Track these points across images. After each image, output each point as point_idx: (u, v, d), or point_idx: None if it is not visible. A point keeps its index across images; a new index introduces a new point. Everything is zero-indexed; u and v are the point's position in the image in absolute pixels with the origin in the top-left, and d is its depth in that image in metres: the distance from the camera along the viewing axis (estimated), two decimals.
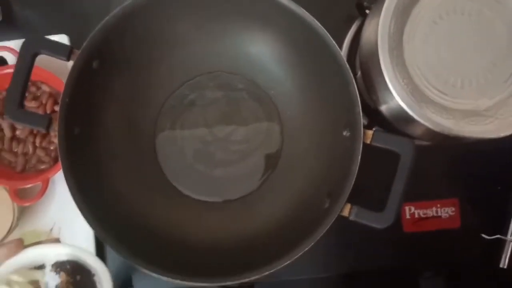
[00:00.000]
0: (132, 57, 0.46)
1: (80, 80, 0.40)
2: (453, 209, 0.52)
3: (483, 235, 0.51)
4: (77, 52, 0.39)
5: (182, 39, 0.48)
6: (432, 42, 0.41)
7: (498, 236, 0.51)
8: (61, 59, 0.40)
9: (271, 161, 0.49)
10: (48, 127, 0.39)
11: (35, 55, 0.39)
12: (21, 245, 0.34)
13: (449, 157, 0.53)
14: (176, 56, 0.49)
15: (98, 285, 0.37)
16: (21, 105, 0.39)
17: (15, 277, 0.35)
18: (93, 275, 0.37)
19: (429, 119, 0.38)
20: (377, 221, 0.39)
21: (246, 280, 0.38)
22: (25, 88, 0.39)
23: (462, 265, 0.52)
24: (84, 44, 0.40)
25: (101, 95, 0.45)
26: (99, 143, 0.45)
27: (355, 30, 0.53)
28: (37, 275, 0.36)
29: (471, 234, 0.51)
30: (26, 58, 0.39)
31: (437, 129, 0.39)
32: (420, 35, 0.41)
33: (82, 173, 0.40)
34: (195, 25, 0.48)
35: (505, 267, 0.50)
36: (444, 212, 0.52)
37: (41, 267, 0.36)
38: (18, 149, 0.52)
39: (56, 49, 0.39)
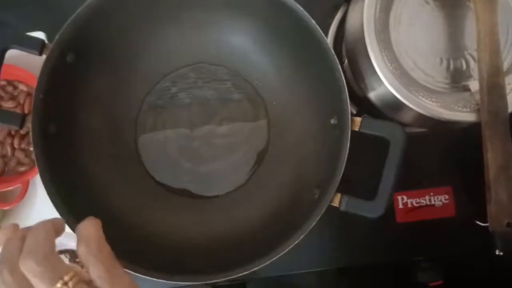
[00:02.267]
0: (108, 49, 0.44)
1: (55, 75, 0.39)
2: (447, 197, 0.51)
3: (478, 222, 0.50)
4: (50, 46, 0.38)
5: (161, 30, 0.47)
6: (419, 25, 0.40)
7: None
8: (34, 53, 0.38)
9: (259, 154, 0.48)
10: (21, 125, 0.37)
11: (4, 50, 0.38)
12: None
13: (441, 144, 0.52)
14: (156, 48, 0.47)
15: None
16: None
17: None
18: None
19: (419, 103, 0.37)
20: (369, 210, 0.37)
21: (236, 276, 0.37)
22: None
23: (459, 254, 0.51)
24: (57, 36, 0.38)
25: (78, 91, 0.43)
26: (77, 142, 0.43)
27: (340, 17, 0.52)
28: None
29: (466, 222, 0.50)
30: None
31: (427, 113, 0.38)
32: (407, 18, 0.40)
33: (60, 173, 0.39)
34: (173, 15, 0.46)
35: (501, 253, 0.50)
36: (437, 200, 0.51)
37: None
38: None
39: (27, 43, 0.38)
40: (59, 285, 0.25)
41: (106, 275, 0.27)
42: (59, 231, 0.29)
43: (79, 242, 0.28)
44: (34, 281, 0.25)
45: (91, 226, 0.28)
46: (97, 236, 0.28)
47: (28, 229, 0.29)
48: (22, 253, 0.26)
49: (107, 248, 0.28)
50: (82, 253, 0.27)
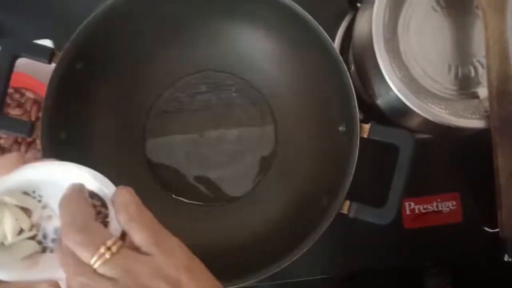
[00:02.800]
0: (117, 57, 0.44)
1: (64, 83, 0.39)
2: (454, 203, 0.51)
3: (486, 228, 0.50)
4: (59, 54, 0.38)
5: (169, 38, 0.47)
6: (427, 32, 0.40)
7: None
8: (43, 62, 0.38)
9: (266, 160, 0.48)
10: (30, 133, 0.37)
11: (14, 58, 0.38)
12: (22, 159, 0.28)
13: (448, 149, 0.51)
14: (163, 56, 0.47)
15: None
16: (1, 111, 0.37)
17: (6, 198, 0.27)
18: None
19: (429, 111, 0.37)
20: (378, 217, 0.37)
21: (245, 284, 0.37)
22: (5, 93, 0.37)
23: (466, 260, 0.51)
24: (66, 45, 0.38)
25: (87, 98, 0.43)
26: (86, 148, 0.43)
27: (346, 24, 0.52)
28: (30, 203, 0.28)
29: (474, 228, 0.50)
30: (6, 62, 0.37)
31: (436, 120, 0.38)
32: (416, 25, 0.40)
33: None
34: (181, 24, 0.46)
35: (510, 259, 0.49)
36: (445, 206, 0.51)
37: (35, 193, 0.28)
38: None
39: (37, 52, 0.38)
40: (102, 250, 0.24)
41: (152, 237, 0.25)
42: (85, 196, 0.27)
43: (117, 211, 0.26)
44: (78, 251, 0.25)
45: (126, 193, 0.27)
46: (135, 200, 0.27)
47: None
48: (62, 228, 0.26)
49: (147, 211, 0.27)
50: (123, 220, 0.26)
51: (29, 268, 0.26)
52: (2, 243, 0.27)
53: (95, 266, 0.24)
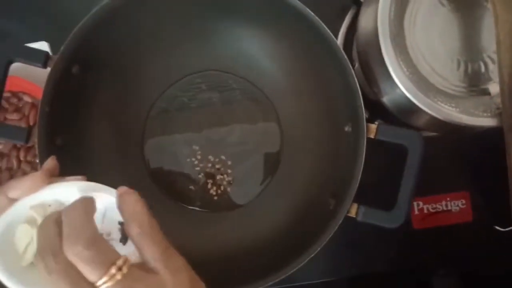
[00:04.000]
0: (114, 59, 0.43)
1: (60, 87, 0.38)
2: (464, 202, 0.50)
3: (497, 227, 0.49)
4: (55, 58, 0.37)
5: (168, 38, 0.46)
6: (434, 28, 0.38)
7: None
8: (38, 66, 0.37)
9: (271, 163, 0.47)
10: (27, 139, 0.36)
11: (9, 63, 0.37)
12: (46, 180, 0.26)
13: (456, 148, 0.50)
14: (163, 56, 0.46)
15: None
16: None
17: (37, 217, 0.26)
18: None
19: (438, 109, 0.36)
20: (387, 221, 0.36)
21: None
22: None
23: (476, 259, 0.50)
24: (61, 48, 0.37)
25: (84, 102, 0.42)
26: (84, 153, 0.42)
27: (349, 20, 0.51)
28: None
29: (484, 227, 0.49)
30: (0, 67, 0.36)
31: (446, 119, 0.36)
32: (422, 20, 0.38)
33: None
34: (180, 23, 0.45)
35: None
36: (454, 205, 0.50)
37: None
38: (2, 164, 0.49)
39: (31, 56, 0.37)
40: (113, 271, 0.22)
41: (162, 257, 0.24)
42: (94, 211, 0.26)
43: (129, 222, 0.25)
44: (84, 268, 0.22)
45: (136, 202, 0.25)
46: (147, 214, 0.25)
47: (57, 213, 0.25)
48: (65, 238, 0.23)
49: (156, 223, 0.25)
50: (135, 234, 0.24)
51: None
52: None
53: (102, 287, 0.22)
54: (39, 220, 0.26)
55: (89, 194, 0.26)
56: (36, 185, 0.26)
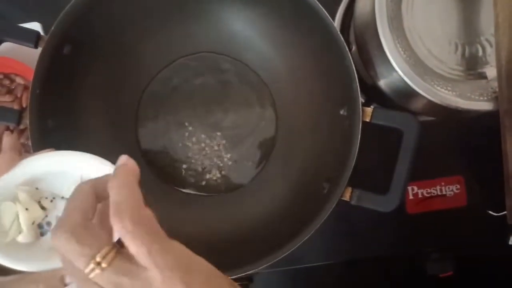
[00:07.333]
0: (106, 40, 0.43)
1: (51, 68, 0.37)
2: (458, 186, 0.50)
3: (490, 212, 0.49)
4: (45, 38, 0.36)
5: (162, 19, 0.45)
6: (432, 10, 0.38)
7: (505, 212, 0.49)
8: (29, 46, 0.36)
9: (266, 147, 0.46)
10: (18, 121, 0.36)
11: None
12: (17, 158, 0.27)
13: (451, 132, 0.50)
14: (156, 38, 0.46)
15: None
16: None
17: (19, 193, 0.27)
18: None
19: (435, 93, 0.36)
20: (382, 204, 0.36)
21: (244, 274, 0.36)
22: None
23: (470, 244, 0.50)
24: (52, 28, 0.36)
25: (76, 83, 0.42)
26: (76, 135, 0.42)
27: (346, 3, 0.50)
28: (34, 193, 0.27)
29: (478, 212, 0.49)
30: None
31: (442, 103, 0.36)
32: (420, 2, 0.38)
33: None
34: (173, 3, 0.44)
35: None
36: (449, 190, 0.50)
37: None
38: None
39: (22, 36, 0.36)
40: (98, 259, 0.22)
41: (146, 254, 0.22)
42: (101, 196, 0.25)
43: (113, 213, 0.23)
44: (71, 256, 0.22)
45: (123, 186, 0.24)
46: (131, 202, 0.23)
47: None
48: (55, 224, 0.23)
49: (146, 217, 0.23)
50: (116, 227, 0.23)
51: (52, 258, 0.26)
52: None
53: (90, 275, 0.22)
54: (22, 197, 0.27)
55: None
56: (8, 164, 0.27)
